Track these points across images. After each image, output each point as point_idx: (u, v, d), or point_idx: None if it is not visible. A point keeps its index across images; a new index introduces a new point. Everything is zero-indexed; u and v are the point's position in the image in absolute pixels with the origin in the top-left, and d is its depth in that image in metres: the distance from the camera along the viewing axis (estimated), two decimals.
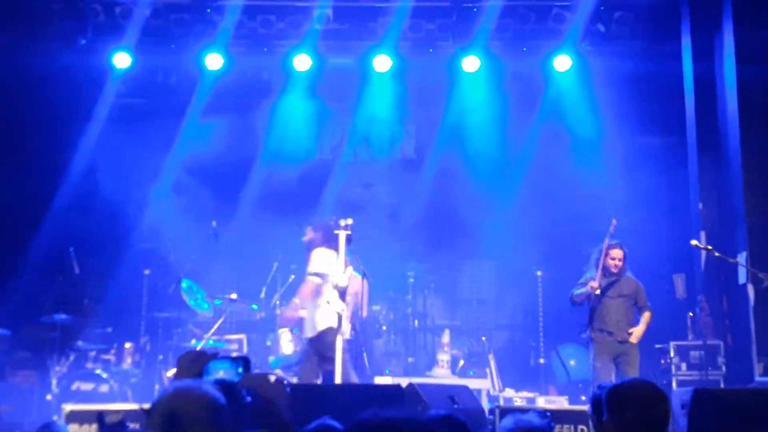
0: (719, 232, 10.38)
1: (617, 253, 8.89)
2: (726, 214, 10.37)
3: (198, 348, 8.77)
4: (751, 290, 9.61)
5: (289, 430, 2.55)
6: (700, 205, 10.65)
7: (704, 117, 10.73)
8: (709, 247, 9.13)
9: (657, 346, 10.26)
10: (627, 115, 11.50)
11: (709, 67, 10.61)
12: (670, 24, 11.28)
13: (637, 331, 8.71)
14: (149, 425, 2.43)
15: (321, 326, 8.14)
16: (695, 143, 10.87)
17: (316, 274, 8.24)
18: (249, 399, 3.38)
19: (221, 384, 2.58)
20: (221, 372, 2.66)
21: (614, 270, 8.87)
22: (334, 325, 8.00)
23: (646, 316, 8.88)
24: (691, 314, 10.33)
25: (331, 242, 8.33)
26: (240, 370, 2.63)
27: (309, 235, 8.65)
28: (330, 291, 8.14)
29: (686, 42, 10.97)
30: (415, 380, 7.74)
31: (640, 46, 11.58)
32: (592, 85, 11.83)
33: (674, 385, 9.45)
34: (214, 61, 11.80)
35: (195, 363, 2.64)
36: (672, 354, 9.81)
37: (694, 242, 9.38)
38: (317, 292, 8.22)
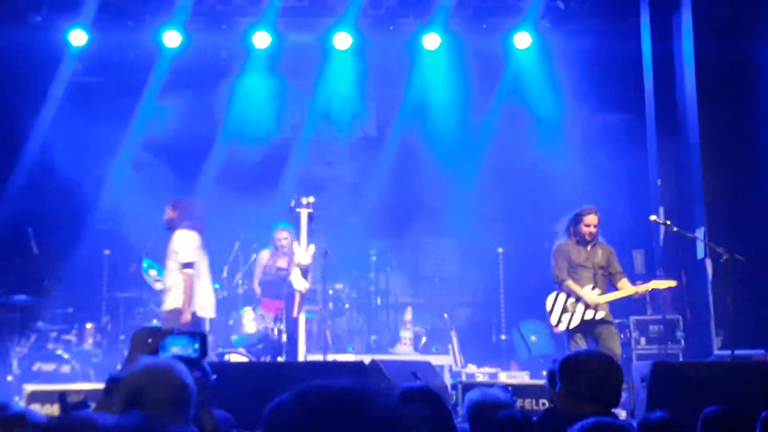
0: (678, 208, 10.56)
1: (592, 219, 8.29)
2: (684, 190, 10.54)
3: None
4: (709, 265, 9.79)
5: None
6: (659, 182, 10.81)
7: (663, 95, 10.88)
8: (668, 222, 9.21)
9: (616, 320, 10.41)
10: (586, 93, 11.59)
11: (668, 45, 10.76)
12: (629, 2, 11.38)
13: (607, 297, 8.26)
14: (112, 399, 2.42)
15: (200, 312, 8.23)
16: (654, 121, 11.02)
17: (189, 265, 8.30)
18: (214, 377, 3.38)
19: (185, 360, 2.57)
20: (177, 348, 2.62)
21: (588, 238, 8.28)
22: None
23: (623, 282, 8.38)
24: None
25: (192, 221, 8.31)
26: (196, 345, 2.60)
27: (169, 214, 8.58)
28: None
29: (645, 20, 11.09)
30: (378, 357, 7.81)
31: (599, 24, 11.64)
32: (552, 63, 11.88)
33: (634, 358, 9.63)
34: (172, 38, 11.64)
35: (151, 339, 2.62)
36: (632, 328, 9.98)
37: (653, 217, 9.50)
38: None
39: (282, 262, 9.88)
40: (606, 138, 11.66)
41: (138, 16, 11.66)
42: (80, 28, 11.51)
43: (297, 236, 8.82)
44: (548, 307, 8.38)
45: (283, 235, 9.82)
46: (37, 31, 11.45)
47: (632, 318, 10.04)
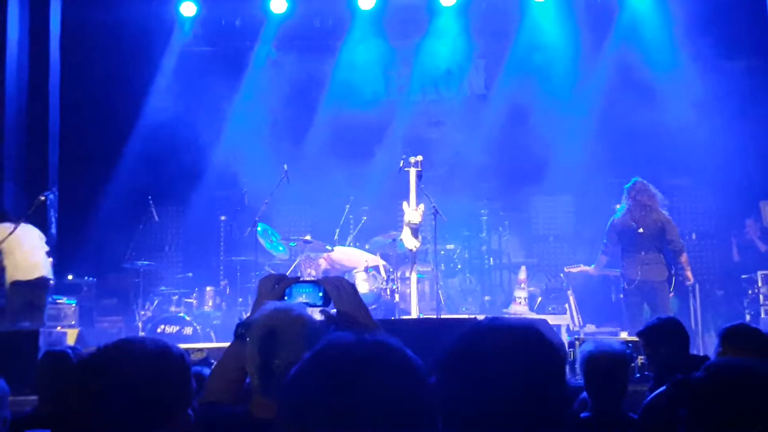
0: None
1: None
2: None
3: None
4: None
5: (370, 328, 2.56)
6: None
7: None
8: None
9: (744, 276, 10.07)
10: (707, 38, 11.09)
11: None
12: None
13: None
14: (243, 343, 2.50)
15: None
16: None
17: None
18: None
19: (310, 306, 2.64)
20: (303, 296, 2.64)
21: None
22: None
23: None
24: None
25: None
26: (321, 294, 2.63)
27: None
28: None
29: None
30: (494, 317, 7.78)
31: None
32: (670, 6, 11.43)
33: (762, 314, 9.28)
34: (278, 4, 11.84)
35: (277, 286, 2.67)
36: (760, 284, 9.62)
37: None
38: None
39: None
40: (729, 86, 11.12)
41: None
42: (190, 0, 11.82)
43: (407, 196, 8.85)
44: None
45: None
46: (149, 4, 11.82)
47: (760, 272, 9.67)
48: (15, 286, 8.67)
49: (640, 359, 6.53)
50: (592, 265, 9.75)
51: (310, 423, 1.48)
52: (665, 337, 4.57)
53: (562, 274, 11.38)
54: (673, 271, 9.00)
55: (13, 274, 8.68)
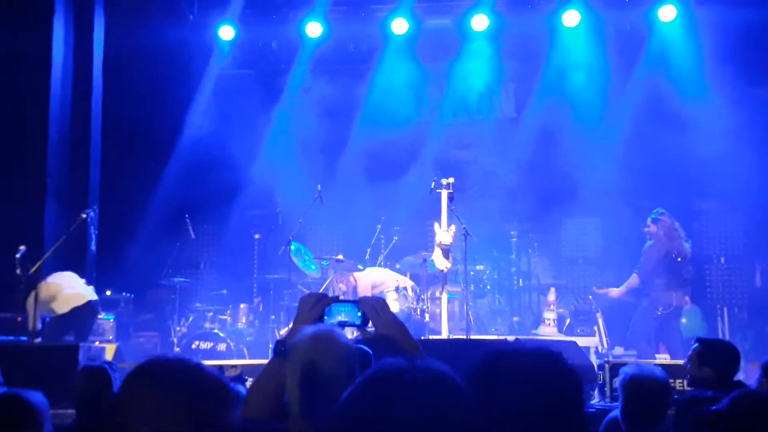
0: None
1: None
2: None
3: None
4: None
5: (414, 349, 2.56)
6: None
7: None
8: None
9: None
10: (735, 66, 11.04)
11: None
12: None
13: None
14: (285, 356, 2.50)
15: None
16: None
17: None
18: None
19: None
20: (342, 314, 2.66)
21: None
22: None
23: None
24: None
25: None
26: (359, 314, 2.63)
27: None
28: None
29: None
30: (522, 338, 7.76)
31: None
32: (698, 36, 11.41)
33: None
34: (314, 29, 11.95)
35: (317, 305, 2.68)
36: None
37: None
38: None
39: None
40: (756, 111, 11.05)
41: (281, 10, 12.06)
42: (229, 24, 11.99)
43: (438, 218, 8.88)
44: None
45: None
46: (190, 28, 12.01)
47: None
48: (63, 318, 8.82)
49: (679, 383, 6.51)
50: (619, 288, 9.83)
51: None
52: (722, 356, 4.62)
53: (590, 296, 11.30)
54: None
55: (62, 308, 8.82)
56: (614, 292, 9.93)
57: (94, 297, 9.06)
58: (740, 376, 4.97)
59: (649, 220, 9.73)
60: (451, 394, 1.58)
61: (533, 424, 1.81)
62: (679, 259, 9.25)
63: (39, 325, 8.44)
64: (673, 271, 9.25)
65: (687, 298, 9.54)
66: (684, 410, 3.69)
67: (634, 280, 9.65)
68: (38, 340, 8.35)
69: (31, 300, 8.33)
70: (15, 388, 3.18)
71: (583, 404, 1.95)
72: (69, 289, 8.85)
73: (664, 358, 9.35)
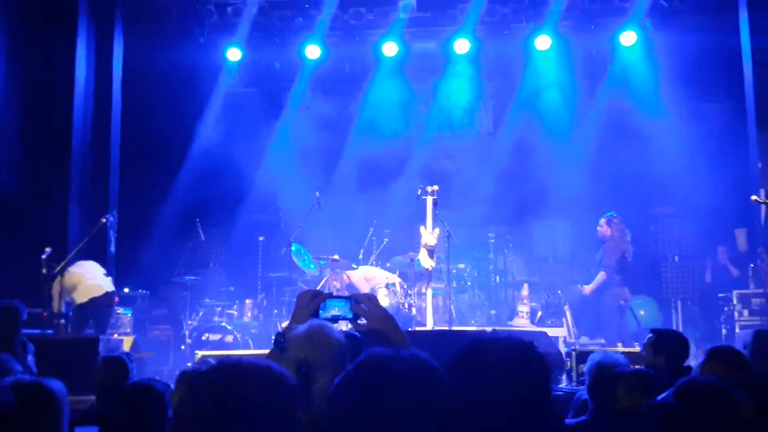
0: None
1: None
2: None
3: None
4: None
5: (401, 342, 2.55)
6: (759, 165, 10.25)
7: (762, 84, 10.31)
8: None
9: (720, 295, 10.02)
10: (688, 85, 11.16)
11: (765, 38, 10.20)
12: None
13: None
14: (284, 348, 2.50)
15: None
16: (753, 109, 10.47)
17: None
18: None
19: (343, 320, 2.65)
20: (336, 309, 2.62)
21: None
22: None
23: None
24: (752, 265, 10.01)
25: None
26: (351, 305, 2.62)
27: None
28: None
29: (743, 16, 10.57)
30: (498, 329, 7.78)
31: (699, 20, 11.17)
32: (656, 58, 11.49)
33: (737, 329, 9.22)
34: (313, 51, 11.95)
35: (313, 301, 2.67)
36: (735, 302, 9.56)
37: (754, 197, 9.07)
38: None
39: None
40: (707, 125, 11.13)
41: (284, 34, 12.03)
42: (236, 46, 11.97)
43: (424, 221, 8.89)
44: None
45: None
46: (200, 50, 11.98)
47: (735, 292, 9.60)
48: (83, 307, 8.77)
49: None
50: (591, 284, 9.88)
51: (354, 425, 1.53)
52: (674, 346, 4.63)
53: (560, 292, 11.34)
54: None
55: (82, 297, 8.77)
56: (587, 288, 9.95)
57: (112, 288, 9.00)
58: (691, 361, 5.00)
59: (602, 220, 9.84)
60: (432, 381, 1.59)
61: (508, 405, 1.82)
62: (628, 259, 9.46)
63: (63, 310, 8.44)
64: (626, 269, 9.45)
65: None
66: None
67: (602, 276, 9.70)
68: (62, 321, 8.31)
69: (56, 287, 8.30)
70: (38, 377, 3.18)
71: (551, 389, 1.96)
72: (90, 280, 8.79)
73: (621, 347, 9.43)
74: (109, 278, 9.17)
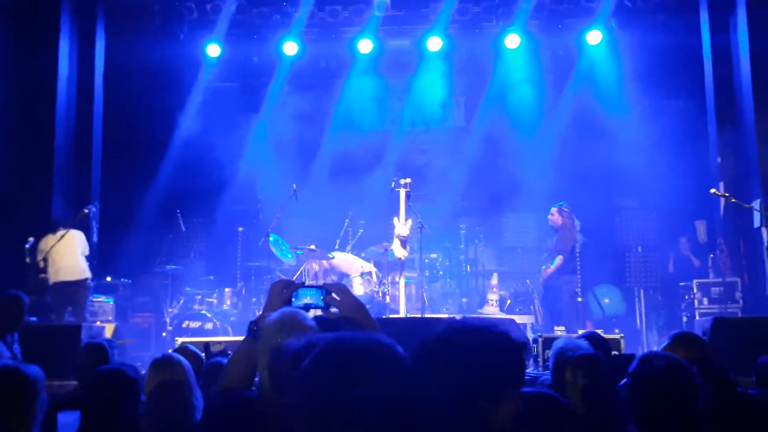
0: (736, 183, 10.16)
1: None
2: (741, 166, 10.14)
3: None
4: (765, 233, 9.43)
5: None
6: (719, 159, 10.42)
7: (721, 82, 10.49)
8: (727, 195, 8.99)
9: (681, 284, 10.18)
10: (651, 82, 11.31)
11: (725, 38, 10.37)
12: (689, 0, 11.00)
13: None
14: (258, 336, 2.51)
15: None
16: (713, 105, 10.63)
17: None
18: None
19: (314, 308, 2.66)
20: (307, 298, 2.63)
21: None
22: None
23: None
24: (711, 256, 10.18)
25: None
26: (322, 297, 2.65)
27: None
28: None
29: (704, 17, 10.75)
30: (469, 316, 7.85)
31: (662, 20, 11.32)
32: (621, 56, 11.61)
33: (697, 316, 9.37)
34: (290, 47, 11.91)
35: (285, 290, 2.69)
36: (695, 290, 9.72)
37: (713, 191, 9.23)
38: None
39: None
40: (669, 122, 11.27)
41: (262, 30, 11.98)
42: (215, 43, 11.90)
43: (397, 213, 8.93)
44: None
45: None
46: (180, 46, 11.90)
47: (695, 281, 9.76)
48: (58, 287, 8.72)
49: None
50: (551, 267, 9.98)
51: (322, 400, 1.57)
52: None
53: (528, 281, 11.47)
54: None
55: (56, 276, 8.71)
56: (548, 270, 10.05)
57: (88, 275, 8.98)
58: (653, 347, 5.10)
59: (554, 209, 9.94)
60: (391, 359, 1.63)
61: (479, 390, 1.86)
62: (577, 248, 9.56)
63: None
64: (576, 258, 9.54)
65: None
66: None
67: (560, 260, 9.79)
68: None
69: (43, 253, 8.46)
70: (15, 362, 3.19)
71: (523, 375, 2.00)
72: (70, 259, 8.78)
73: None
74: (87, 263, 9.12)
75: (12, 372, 2.80)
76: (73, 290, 8.78)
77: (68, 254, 8.78)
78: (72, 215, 9.68)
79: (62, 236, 8.73)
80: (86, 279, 8.92)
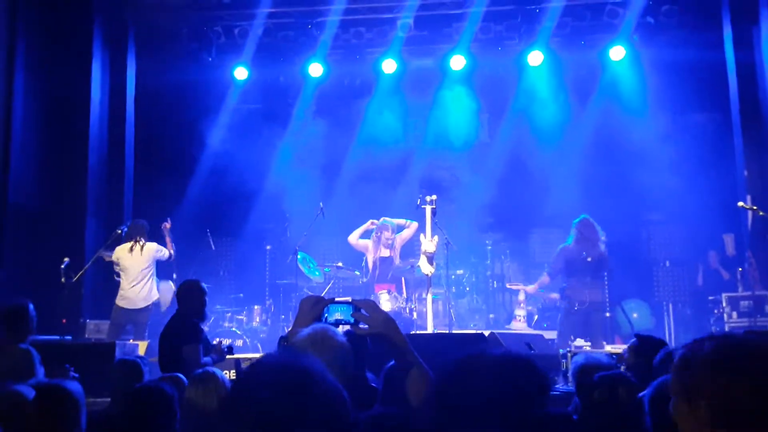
0: (763, 195, 10.00)
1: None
2: None
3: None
4: None
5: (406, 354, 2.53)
6: (746, 172, 10.27)
7: (746, 95, 10.37)
8: (755, 208, 8.86)
9: (710, 297, 10.00)
10: (676, 96, 11.19)
11: (749, 51, 10.27)
12: (712, 15, 10.91)
13: None
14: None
15: None
16: (738, 119, 10.51)
17: None
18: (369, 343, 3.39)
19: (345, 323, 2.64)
20: (338, 314, 2.61)
21: None
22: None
23: None
24: (740, 269, 9.99)
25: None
26: (351, 313, 2.62)
27: None
28: None
29: (727, 31, 10.64)
30: (496, 332, 7.77)
31: (685, 36, 11.23)
32: (644, 70, 11.53)
33: (726, 330, 9.18)
34: (315, 69, 11.99)
35: (316, 306, 2.67)
36: (724, 304, 9.53)
37: (740, 203, 9.08)
38: None
39: (385, 252, 9.93)
40: (694, 135, 11.16)
41: (288, 53, 12.07)
42: (242, 66, 12.02)
43: (423, 229, 8.90)
44: None
45: (386, 235, 9.83)
46: (209, 69, 12.04)
47: (724, 294, 9.58)
48: (119, 311, 8.84)
49: (622, 368, 6.49)
50: (531, 285, 9.82)
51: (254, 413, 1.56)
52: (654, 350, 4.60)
53: (555, 295, 11.33)
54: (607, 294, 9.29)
55: (119, 298, 8.83)
56: (529, 288, 9.95)
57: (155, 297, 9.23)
58: None
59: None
60: (327, 395, 1.61)
61: (499, 416, 1.82)
62: (589, 259, 8.98)
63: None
64: (584, 271, 9.00)
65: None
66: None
67: (544, 278, 9.65)
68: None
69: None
70: (56, 380, 3.21)
71: (546, 403, 1.94)
72: (133, 284, 8.98)
73: (613, 348, 9.36)
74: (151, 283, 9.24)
75: (55, 388, 2.81)
76: (135, 316, 8.91)
77: (130, 279, 8.91)
78: (104, 236, 9.78)
79: (140, 247, 8.92)
80: (147, 308, 9.03)
